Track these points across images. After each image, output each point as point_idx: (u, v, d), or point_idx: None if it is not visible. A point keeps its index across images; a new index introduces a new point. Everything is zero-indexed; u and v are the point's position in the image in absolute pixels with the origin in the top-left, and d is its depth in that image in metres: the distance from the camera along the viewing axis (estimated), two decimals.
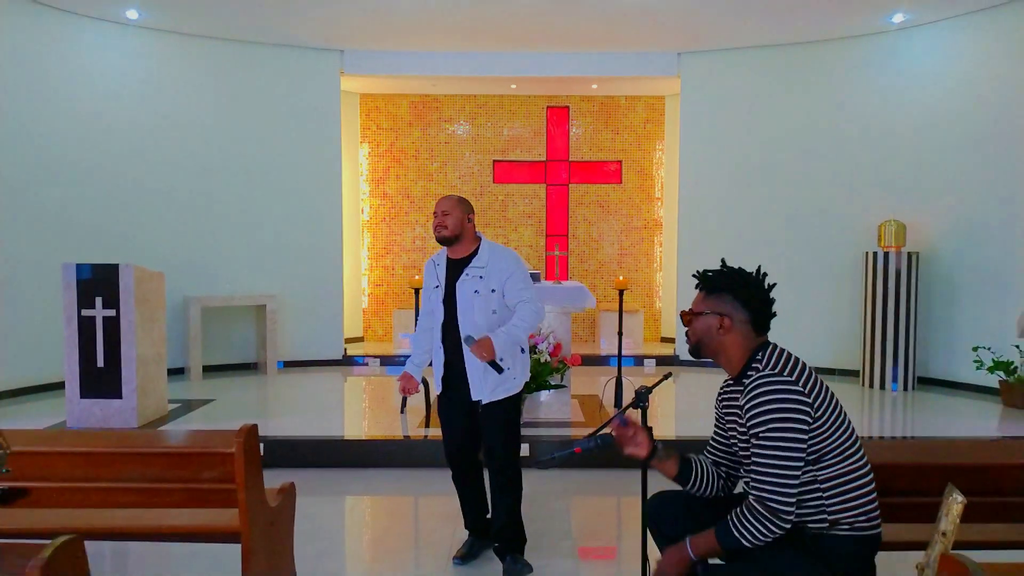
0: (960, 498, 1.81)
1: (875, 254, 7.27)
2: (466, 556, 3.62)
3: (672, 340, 9.15)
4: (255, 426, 2.74)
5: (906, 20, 7.24)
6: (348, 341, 9.11)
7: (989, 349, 6.74)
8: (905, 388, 7.20)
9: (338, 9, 7.12)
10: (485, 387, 3.37)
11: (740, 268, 2.44)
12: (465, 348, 3.33)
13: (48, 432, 3.47)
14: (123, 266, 5.32)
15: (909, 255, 7.16)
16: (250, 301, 7.96)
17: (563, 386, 6.02)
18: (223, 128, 8.07)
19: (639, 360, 8.71)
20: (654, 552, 2.69)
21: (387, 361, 8.69)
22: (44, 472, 2.67)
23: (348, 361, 8.67)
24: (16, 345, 6.74)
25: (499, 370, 3.29)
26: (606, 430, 2.51)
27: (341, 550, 3.98)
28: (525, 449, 4.98)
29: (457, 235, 3.42)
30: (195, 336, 7.56)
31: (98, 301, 5.30)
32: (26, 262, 6.80)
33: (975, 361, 6.79)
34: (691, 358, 8.36)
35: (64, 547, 1.60)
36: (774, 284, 2.43)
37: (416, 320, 3.82)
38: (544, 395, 6.01)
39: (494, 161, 9.75)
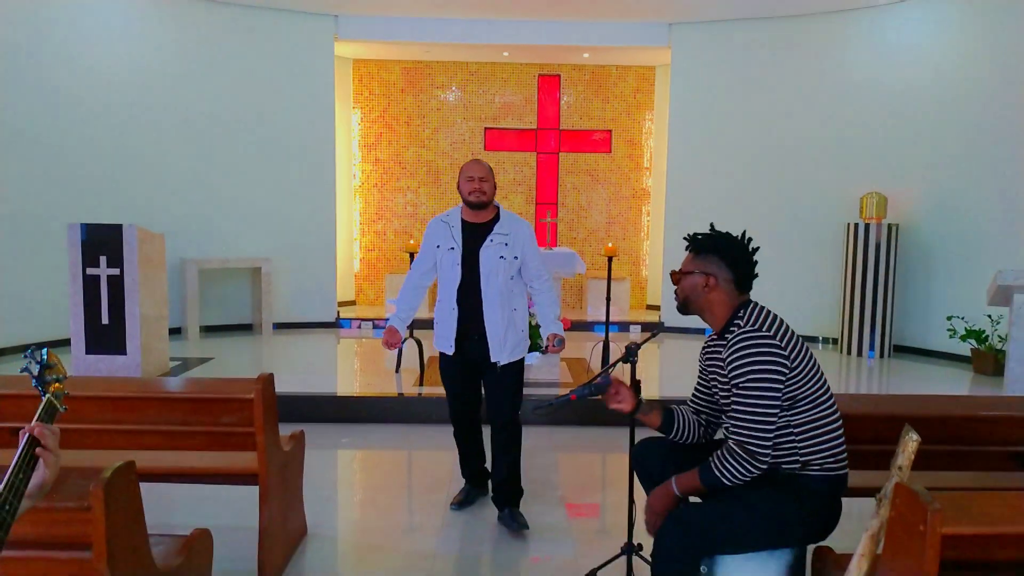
0: (915, 436, 2.03)
1: (856, 225, 7.51)
2: (463, 503, 3.85)
3: (657, 307, 9.39)
4: (271, 375, 2.93)
5: None
6: (340, 304, 9.28)
7: (963, 318, 7.03)
8: (881, 355, 7.49)
9: None
10: (504, 350, 3.52)
11: (727, 232, 2.63)
12: (487, 311, 3.50)
13: (76, 378, 3.63)
14: (127, 227, 5.44)
15: (889, 227, 7.40)
16: (246, 264, 8.10)
17: None
18: (218, 91, 8.12)
19: (624, 326, 8.95)
20: (640, 495, 2.92)
21: (378, 325, 8.88)
22: (72, 415, 2.84)
23: (340, 324, 8.85)
24: (21, 302, 6.88)
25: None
26: (598, 380, 2.72)
27: (343, 498, 4.20)
28: None
29: (491, 201, 3.54)
30: (192, 297, 7.71)
31: (102, 260, 5.43)
32: (29, 221, 6.91)
33: (948, 330, 7.09)
34: (676, 325, 8.58)
35: (121, 470, 1.79)
36: (758, 248, 2.63)
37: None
38: (535, 357, 6.23)
39: (485, 128, 9.86)
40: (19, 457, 1.42)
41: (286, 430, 3.47)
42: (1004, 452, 2.94)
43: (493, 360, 3.54)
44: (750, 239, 2.62)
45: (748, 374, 2.36)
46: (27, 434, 1.45)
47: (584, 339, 7.86)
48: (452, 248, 3.54)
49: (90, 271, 5.44)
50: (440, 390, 3.91)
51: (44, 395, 1.57)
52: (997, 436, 2.93)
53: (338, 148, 9.05)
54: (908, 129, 7.60)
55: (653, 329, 8.85)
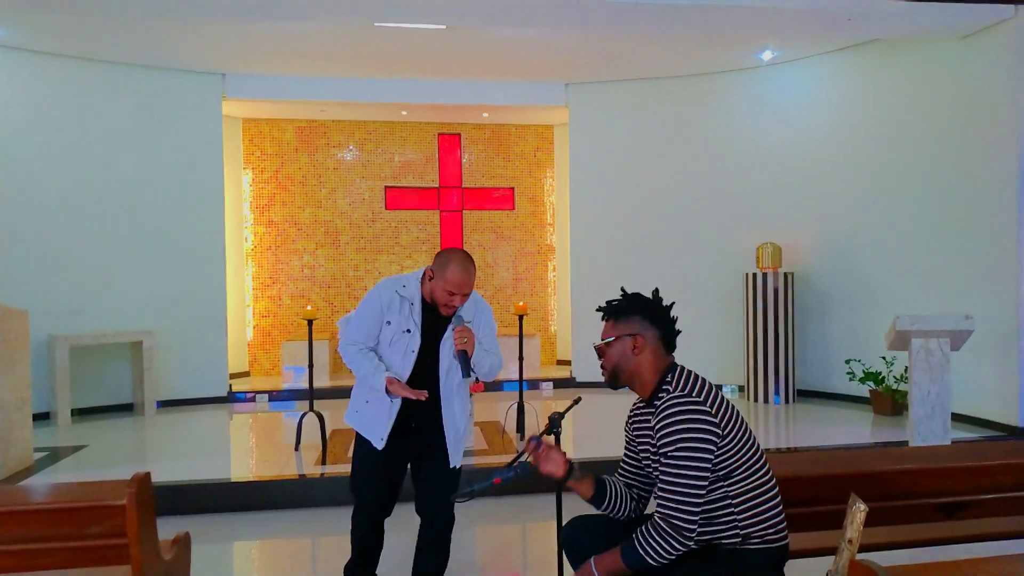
0: (863, 506, 1.92)
1: (754, 275, 7.70)
2: None
3: (568, 363, 9.29)
4: (148, 474, 2.53)
5: (775, 57, 7.79)
6: (233, 376, 8.68)
7: (860, 361, 7.26)
8: (786, 400, 7.63)
9: (217, 32, 6.86)
10: (460, 452, 3.19)
11: (638, 292, 2.52)
12: (446, 411, 3.11)
13: None
14: None
15: (785, 275, 7.62)
16: (124, 338, 7.44)
17: None
18: (95, 154, 7.56)
19: (535, 384, 8.79)
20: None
21: (275, 397, 8.36)
22: None
23: (233, 398, 8.25)
24: None
25: (467, 365, 2.98)
26: (523, 459, 2.50)
27: None
28: None
29: None
30: (62, 378, 6.97)
31: None
32: None
33: (848, 373, 7.30)
34: (588, 380, 8.45)
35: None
36: (673, 303, 2.52)
37: (346, 348, 3.13)
38: None
39: (386, 187, 9.65)
40: None
41: (170, 530, 3.03)
42: (930, 504, 2.91)
43: (452, 465, 3.16)
44: (662, 298, 2.52)
45: (677, 442, 2.22)
46: None
47: (496, 399, 7.62)
48: (408, 331, 3.06)
49: None
50: (344, 468, 3.52)
51: None
52: (922, 487, 2.89)
53: (228, 211, 8.59)
54: (797, 182, 7.94)
55: (564, 385, 8.74)
